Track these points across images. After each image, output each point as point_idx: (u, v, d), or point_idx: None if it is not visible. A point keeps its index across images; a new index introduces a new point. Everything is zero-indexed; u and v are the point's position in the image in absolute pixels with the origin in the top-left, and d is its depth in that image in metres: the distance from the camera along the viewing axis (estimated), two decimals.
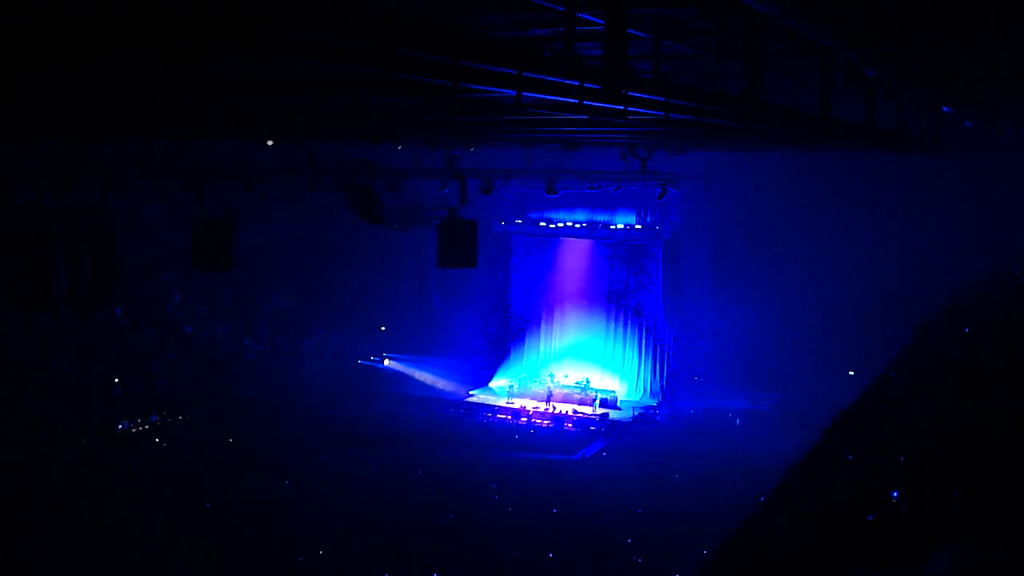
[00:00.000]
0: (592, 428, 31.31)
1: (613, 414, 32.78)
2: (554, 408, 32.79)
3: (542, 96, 7.59)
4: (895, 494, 8.13)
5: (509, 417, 32.69)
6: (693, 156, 24.57)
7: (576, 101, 7.76)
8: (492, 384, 36.74)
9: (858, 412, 13.79)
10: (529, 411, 32.75)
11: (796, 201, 32.77)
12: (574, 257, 36.46)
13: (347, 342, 36.71)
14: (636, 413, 32.81)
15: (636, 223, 34.78)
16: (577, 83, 7.60)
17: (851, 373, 29.78)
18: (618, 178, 25.11)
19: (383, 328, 38.03)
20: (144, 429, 28.82)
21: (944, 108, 18.64)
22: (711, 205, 33.31)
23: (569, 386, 34.55)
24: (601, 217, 35.22)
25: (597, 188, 25.89)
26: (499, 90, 7.17)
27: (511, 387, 35.07)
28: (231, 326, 33.96)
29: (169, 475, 24.67)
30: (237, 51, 5.23)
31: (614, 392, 34.40)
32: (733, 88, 10.46)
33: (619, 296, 36.01)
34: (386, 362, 37.46)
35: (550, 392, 33.83)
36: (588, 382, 34.46)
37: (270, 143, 19.05)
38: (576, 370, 35.34)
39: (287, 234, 33.23)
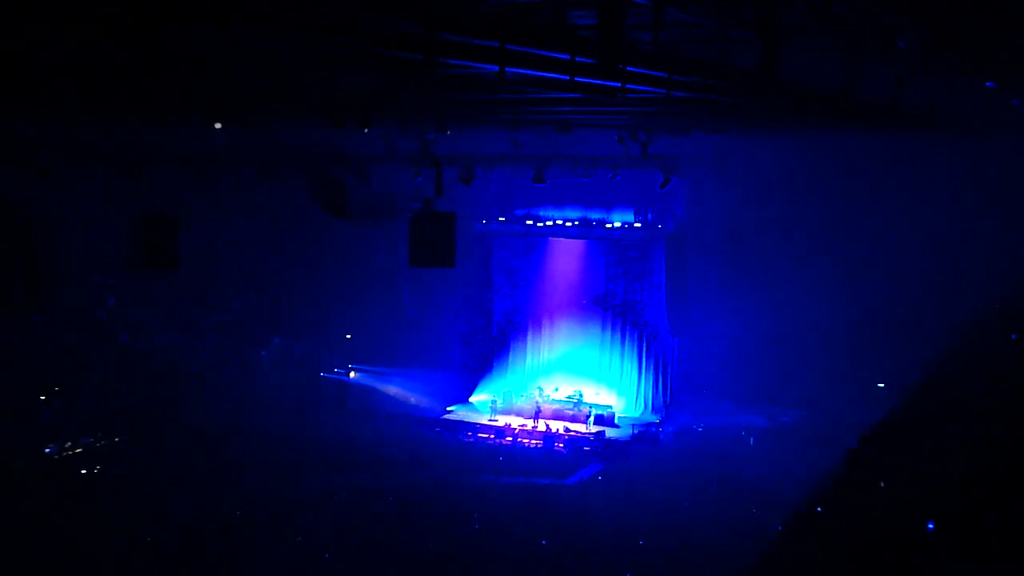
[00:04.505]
0: (586, 448, 31.27)
1: (610, 432, 32.74)
2: (546, 426, 32.74)
3: (529, 72, 7.57)
4: (931, 525, 8.12)
5: (492, 436, 32.64)
6: (700, 139, 24.57)
7: (567, 78, 7.74)
8: (473, 399, 36.69)
9: (890, 431, 13.78)
10: (515, 429, 32.69)
11: (819, 190, 32.59)
12: (565, 258, 36.40)
13: (308, 352, 36.59)
14: (636, 431, 32.78)
15: (635, 221, 34.74)
16: (568, 57, 7.59)
17: (881, 385, 29.80)
18: (615, 164, 25.12)
19: (349, 336, 37.91)
20: (76, 453, 28.66)
21: (987, 84, 18.66)
22: (721, 195, 33.24)
23: (560, 401, 34.49)
24: (595, 214, 35.19)
25: (591, 176, 25.88)
26: (480, 65, 7.15)
27: (494, 403, 35.01)
28: (175, 335, 33.79)
29: (104, 504, 24.53)
30: (182, 21, 5.20)
31: (611, 407, 34.35)
32: (745, 62, 10.45)
33: (616, 300, 35.97)
34: (352, 374, 37.33)
35: (538, 408, 33.78)
36: (581, 396, 34.41)
37: (219, 127, 18.96)
38: (568, 383, 35.29)
39: (240, 230, 33.01)
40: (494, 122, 20.09)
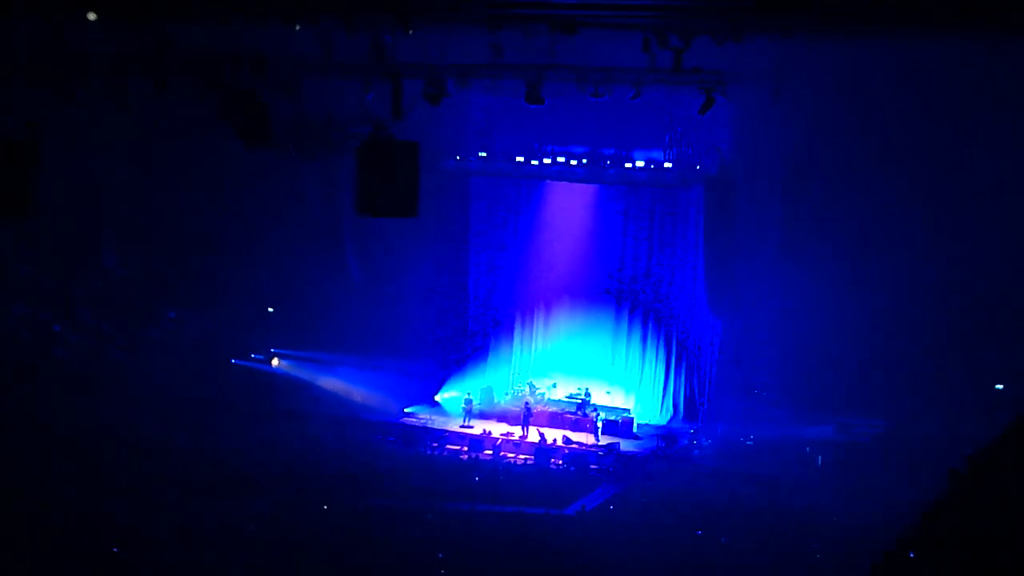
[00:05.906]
0: (594, 467, 31.32)
1: (625, 445, 32.85)
2: (539, 436, 32.78)
3: None
4: None
5: (466, 448, 32.80)
6: (755, 46, 24.33)
7: None
8: (440, 398, 36.83)
9: (1008, 447, 13.69)
10: (497, 439, 32.82)
11: (917, 122, 32.24)
12: (569, 209, 36.49)
13: (214, 331, 36.55)
14: (661, 444, 32.86)
15: (664, 159, 34.55)
16: None
17: (999, 387, 29.79)
18: (638, 80, 24.94)
19: (271, 310, 37.89)
20: None
21: None
22: (782, 124, 32.99)
23: (559, 402, 34.61)
24: (610, 150, 35.04)
25: (605, 96, 25.72)
26: None
27: (469, 403, 35.07)
28: (32, 305, 33.69)
29: None
30: None
31: (628, 412, 34.48)
32: None
33: (637, 268, 35.99)
34: (275, 362, 37.37)
35: (529, 411, 33.81)
36: (588, 396, 34.43)
37: (92, 18, 18.74)
38: (569, 379, 35.40)
39: (121, 162, 32.90)
40: (471, 19, 19.90)
